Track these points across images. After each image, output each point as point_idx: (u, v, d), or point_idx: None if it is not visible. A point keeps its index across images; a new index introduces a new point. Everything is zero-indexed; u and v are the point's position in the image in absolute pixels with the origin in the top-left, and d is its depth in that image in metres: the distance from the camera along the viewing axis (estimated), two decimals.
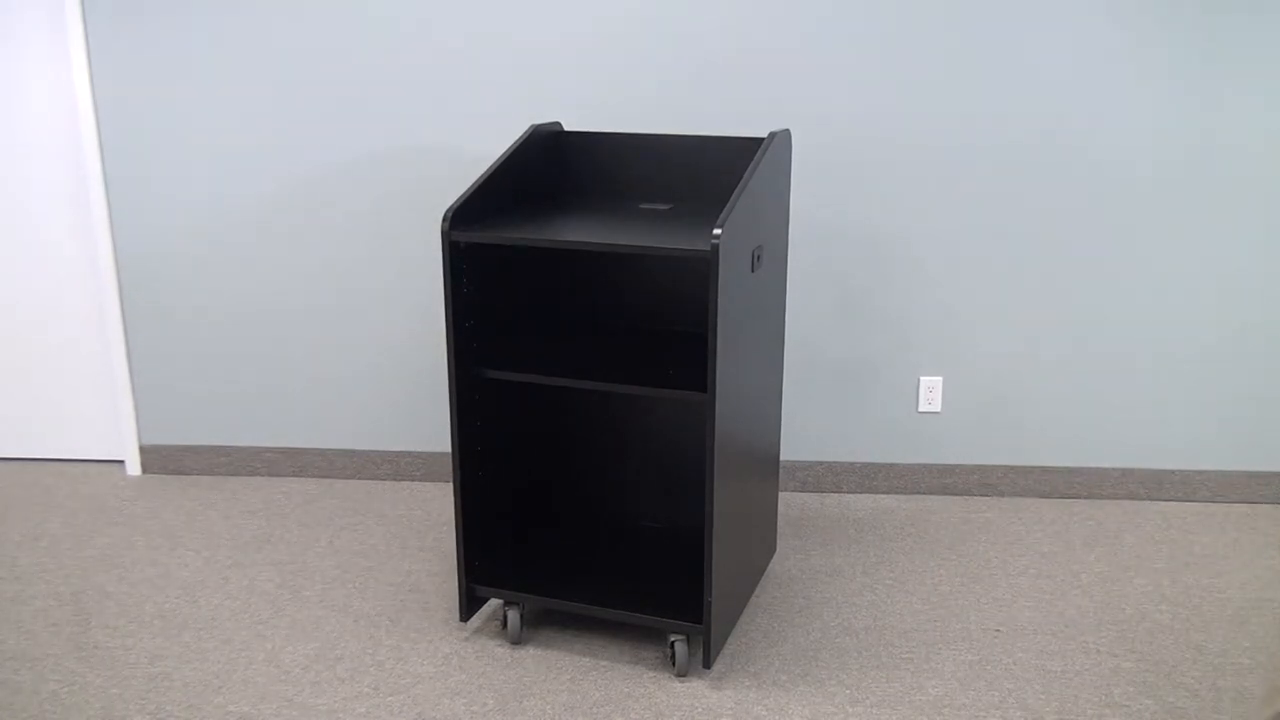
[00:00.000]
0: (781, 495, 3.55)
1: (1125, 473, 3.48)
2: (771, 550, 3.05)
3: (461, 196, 2.53)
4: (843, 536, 3.25)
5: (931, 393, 3.46)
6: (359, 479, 3.68)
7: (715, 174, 2.87)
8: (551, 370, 2.56)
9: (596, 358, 2.67)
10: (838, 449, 3.54)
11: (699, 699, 2.46)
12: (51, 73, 3.46)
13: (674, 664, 2.55)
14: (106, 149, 3.46)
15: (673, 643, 2.54)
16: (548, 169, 2.92)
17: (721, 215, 2.31)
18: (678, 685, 2.51)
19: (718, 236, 2.27)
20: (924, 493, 3.55)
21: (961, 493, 3.54)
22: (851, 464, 3.54)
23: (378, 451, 3.65)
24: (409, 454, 3.64)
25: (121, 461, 3.80)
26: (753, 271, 2.52)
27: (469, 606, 2.72)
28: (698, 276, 2.93)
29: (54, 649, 2.67)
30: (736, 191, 2.39)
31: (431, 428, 3.62)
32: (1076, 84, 3.21)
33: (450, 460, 3.64)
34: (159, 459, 3.71)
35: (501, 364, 2.61)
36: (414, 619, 2.80)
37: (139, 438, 3.70)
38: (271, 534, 3.28)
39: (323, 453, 3.66)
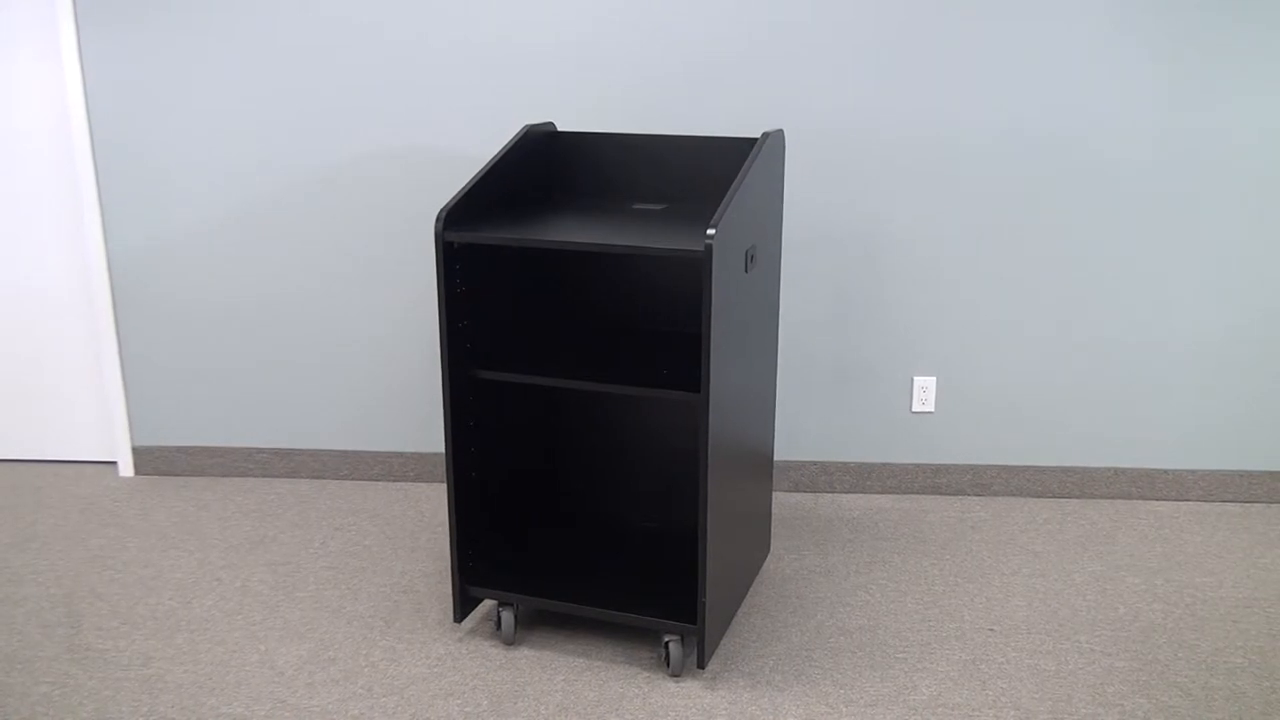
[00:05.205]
0: (775, 495, 3.55)
1: (1118, 472, 3.49)
2: (765, 550, 3.05)
3: (455, 197, 2.53)
4: (836, 536, 3.25)
5: (925, 393, 3.47)
6: (352, 479, 3.67)
7: (709, 174, 2.87)
8: (545, 371, 2.55)
9: (590, 358, 2.66)
10: (831, 449, 3.54)
11: (693, 699, 2.46)
12: (43, 72, 3.45)
13: (668, 664, 2.55)
14: (98, 149, 3.45)
15: (667, 643, 2.55)
16: (541, 169, 2.92)
17: (715, 215, 2.31)
18: (672, 685, 2.52)
19: (711, 236, 2.27)
20: (917, 492, 3.55)
21: (955, 492, 3.54)
22: (845, 464, 3.54)
23: (371, 452, 3.64)
24: (402, 454, 3.64)
25: (114, 462, 3.79)
26: (746, 271, 2.52)
27: (463, 607, 2.72)
28: (691, 276, 2.93)
29: (46, 651, 2.66)
30: (730, 192, 2.39)
31: (425, 428, 3.62)
32: (1071, 85, 3.22)
33: (444, 460, 3.64)
34: (152, 460, 3.70)
35: (495, 365, 2.61)
36: (408, 620, 2.79)
37: (131, 438, 3.69)
38: (265, 535, 3.27)
39: (316, 453, 3.65)
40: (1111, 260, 3.34)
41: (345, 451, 3.65)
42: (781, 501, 3.50)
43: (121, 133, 3.43)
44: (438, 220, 2.47)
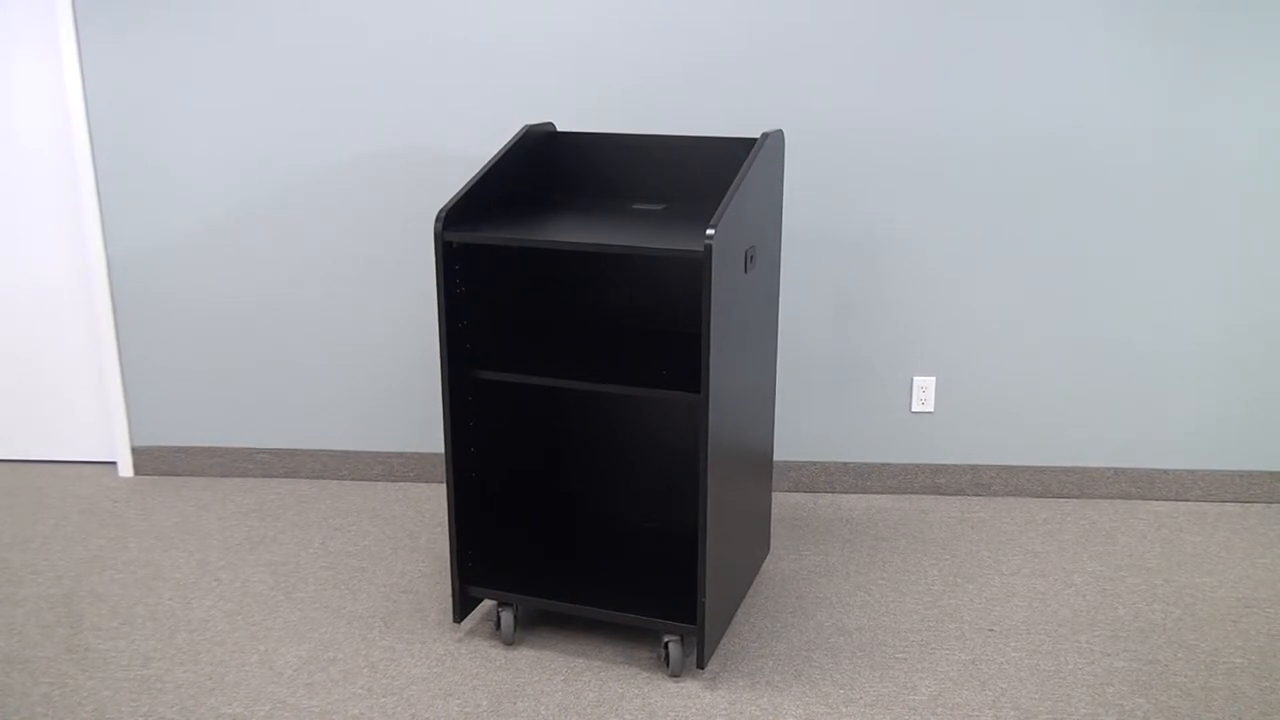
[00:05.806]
0: (775, 495, 3.55)
1: (1117, 472, 3.49)
2: (765, 550, 3.05)
3: (454, 197, 2.53)
4: (836, 536, 3.25)
5: (925, 393, 3.47)
6: (352, 480, 3.67)
7: (708, 174, 2.87)
8: (545, 371, 2.55)
9: (590, 358, 2.66)
10: (831, 449, 3.54)
11: (693, 699, 2.46)
12: (43, 72, 3.45)
13: (668, 664, 2.55)
14: (98, 149, 3.45)
15: (666, 643, 2.55)
16: (540, 169, 2.92)
17: (715, 215, 2.31)
18: (671, 686, 2.52)
19: (711, 237, 2.27)
20: (917, 492, 3.55)
21: (955, 492, 3.54)
22: (845, 464, 3.54)
23: (371, 452, 3.64)
24: (402, 454, 3.64)
25: (114, 463, 3.79)
26: (746, 272, 2.52)
27: (462, 607, 2.72)
28: (691, 277, 2.93)
29: (46, 651, 2.66)
30: (729, 192, 2.39)
31: (424, 428, 3.61)
32: (1071, 85, 3.22)
33: (443, 461, 3.64)
34: (151, 460, 3.70)
35: (495, 365, 2.61)
36: (407, 620, 2.79)
37: (131, 439, 3.69)
38: (264, 535, 3.27)
39: (315, 453, 3.65)
40: (1111, 260, 3.34)
41: (345, 451, 3.65)
42: (781, 501, 3.50)
43: (121, 133, 3.43)
44: (437, 220, 2.47)
